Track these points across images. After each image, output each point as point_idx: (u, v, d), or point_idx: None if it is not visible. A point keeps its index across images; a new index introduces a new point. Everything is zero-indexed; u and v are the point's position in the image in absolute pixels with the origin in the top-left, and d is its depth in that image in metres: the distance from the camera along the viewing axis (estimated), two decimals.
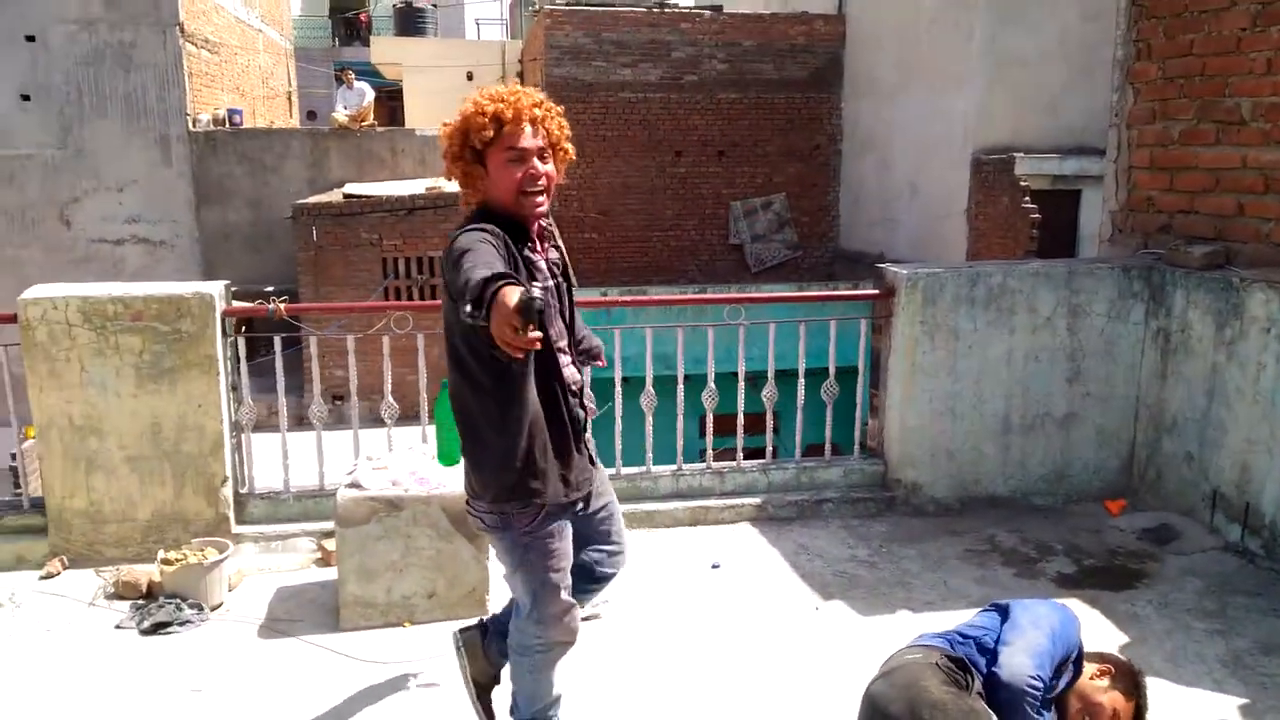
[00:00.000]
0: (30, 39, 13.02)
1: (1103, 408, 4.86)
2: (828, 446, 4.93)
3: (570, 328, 2.59)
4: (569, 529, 2.59)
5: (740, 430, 4.81)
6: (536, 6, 17.62)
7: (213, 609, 3.78)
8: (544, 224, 2.52)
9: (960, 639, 2.66)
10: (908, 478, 4.79)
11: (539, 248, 2.49)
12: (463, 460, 2.56)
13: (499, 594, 3.85)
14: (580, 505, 2.64)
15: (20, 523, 4.23)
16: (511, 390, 2.39)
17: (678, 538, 4.55)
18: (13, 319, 3.97)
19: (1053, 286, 4.70)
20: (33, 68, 13.11)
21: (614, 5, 15.94)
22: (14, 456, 8.24)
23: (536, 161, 2.40)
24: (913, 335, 4.68)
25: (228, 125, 15.22)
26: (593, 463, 2.66)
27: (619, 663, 3.46)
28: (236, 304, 4.24)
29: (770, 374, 4.79)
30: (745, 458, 4.86)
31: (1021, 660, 2.53)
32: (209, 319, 4.02)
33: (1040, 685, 2.51)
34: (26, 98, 13.14)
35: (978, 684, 2.53)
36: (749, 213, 16.60)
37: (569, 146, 2.52)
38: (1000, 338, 4.72)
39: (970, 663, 2.57)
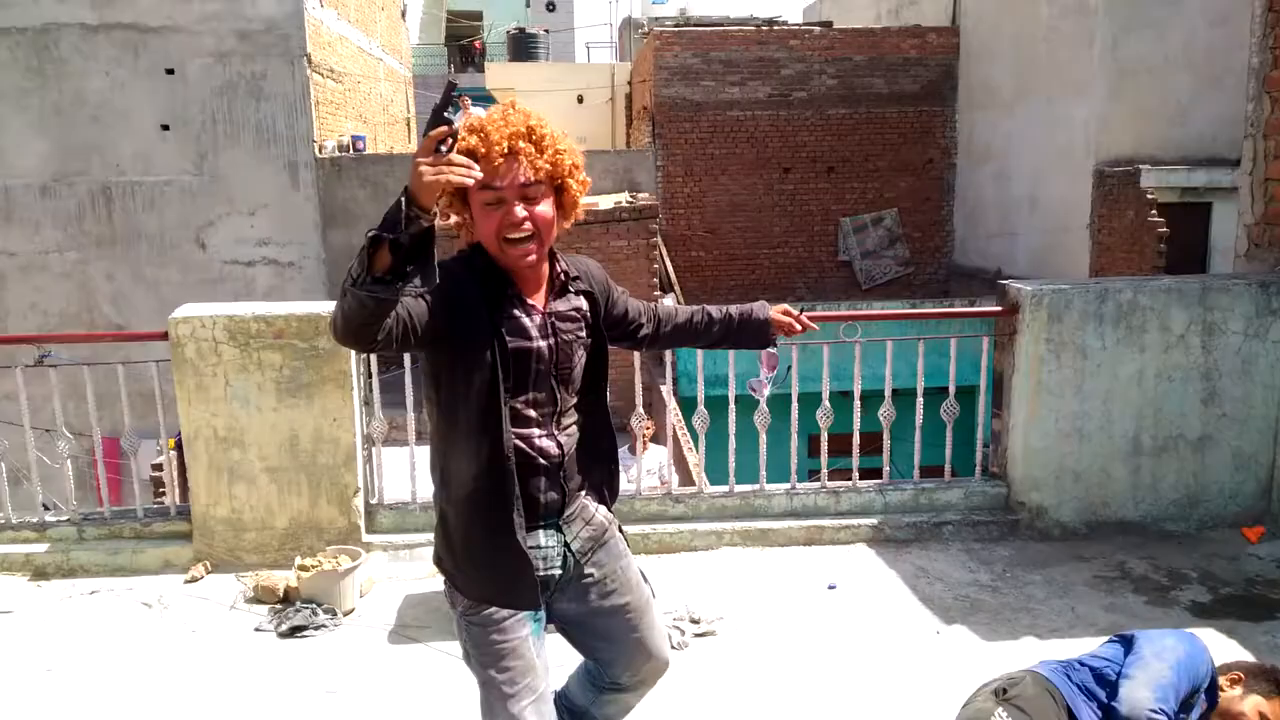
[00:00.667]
0: (170, 72, 13.80)
1: (1239, 429, 4.65)
2: (947, 467, 4.84)
3: (581, 390, 2.20)
4: (528, 630, 2.10)
5: (856, 450, 4.77)
6: (645, 29, 17.84)
7: (345, 614, 3.94)
8: (563, 268, 2.15)
9: (1077, 667, 2.59)
10: (1032, 500, 4.67)
11: (540, 300, 2.10)
12: None
13: None
14: (573, 597, 2.23)
15: (167, 529, 4.49)
16: (447, 441, 2.08)
17: (792, 557, 4.53)
18: (163, 336, 4.24)
19: (1186, 303, 4.53)
20: (171, 99, 13.89)
21: (722, 25, 16.03)
22: (157, 467, 8.73)
23: (518, 205, 1.98)
24: (1038, 353, 4.56)
25: (351, 151, 15.85)
26: (599, 543, 2.26)
27: (734, 681, 3.46)
28: None
29: (887, 393, 4.73)
30: (860, 478, 4.81)
31: (1142, 694, 2.47)
32: None
33: (1159, 711, 2.44)
34: (166, 127, 13.92)
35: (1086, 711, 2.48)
36: (859, 229, 16.42)
37: (578, 179, 2.09)
38: (1130, 356, 4.56)
39: (1086, 689, 2.52)
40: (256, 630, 3.87)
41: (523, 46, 23.65)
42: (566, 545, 2.19)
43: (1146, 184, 11.51)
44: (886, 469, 4.87)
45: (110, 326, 13.69)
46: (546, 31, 24.12)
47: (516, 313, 2.05)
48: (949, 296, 15.38)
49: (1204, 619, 3.88)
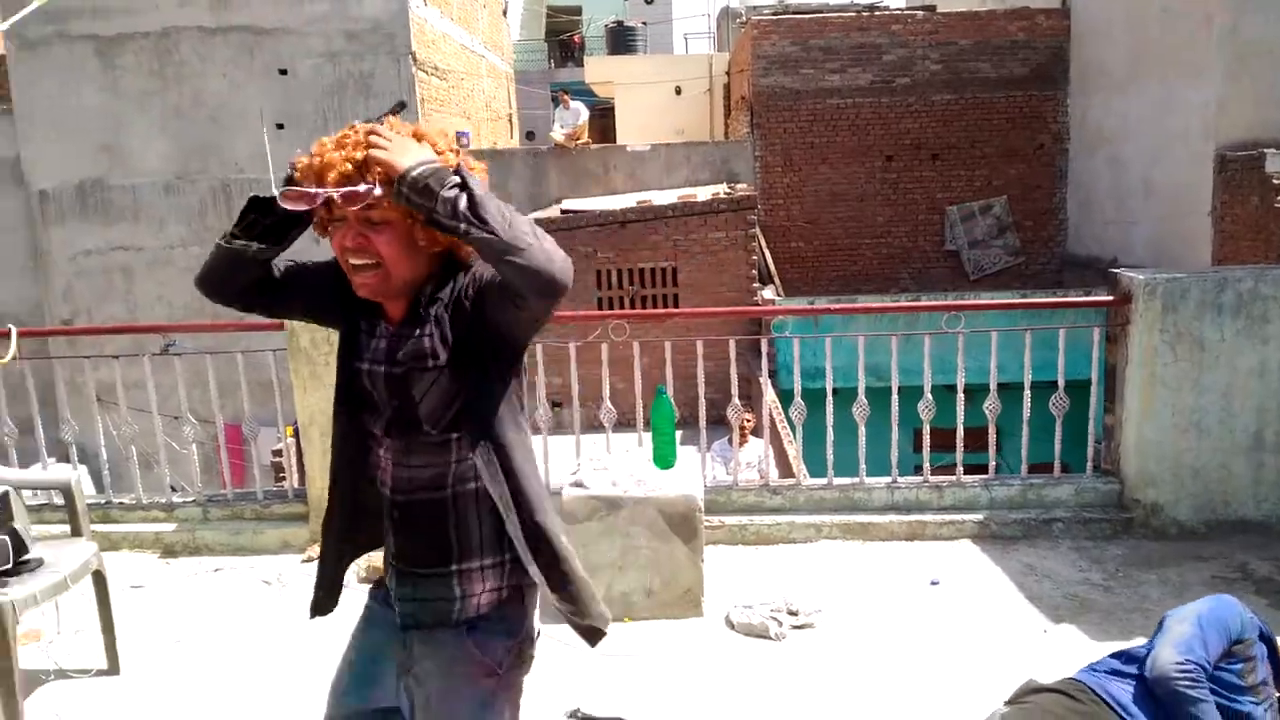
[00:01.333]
0: (283, 72, 14.33)
1: None
2: (1056, 463, 4.71)
3: (446, 429, 1.80)
4: (357, 628, 2.02)
5: (960, 444, 4.67)
6: (743, 18, 17.72)
7: None
8: (428, 299, 1.81)
9: (1106, 659, 2.63)
10: (1147, 498, 4.50)
11: (387, 325, 1.85)
12: None
13: (714, 596, 3.94)
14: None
15: (286, 511, 4.70)
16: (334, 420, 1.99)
17: (893, 551, 4.48)
18: (279, 326, 4.43)
19: None
20: (285, 99, 14.42)
21: (821, 11, 15.81)
22: (277, 453, 9.11)
23: (346, 234, 1.75)
24: (1152, 345, 4.40)
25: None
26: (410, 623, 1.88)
27: (831, 674, 3.45)
28: None
29: (993, 385, 4.63)
30: (964, 473, 4.72)
31: (1165, 653, 2.51)
32: None
33: (1190, 666, 2.46)
34: (281, 126, 14.46)
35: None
36: (966, 217, 16.01)
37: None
38: (1251, 348, 4.36)
39: (1113, 671, 2.56)
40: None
41: (621, 40, 23.75)
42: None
43: (1272, 169, 10.92)
44: (992, 464, 4.75)
45: (232, 319, 14.31)
46: (644, 24, 24.18)
47: (361, 328, 1.87)
48: (1062, 287, 14.87)
49: None
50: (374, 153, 1.68)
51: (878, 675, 3.43)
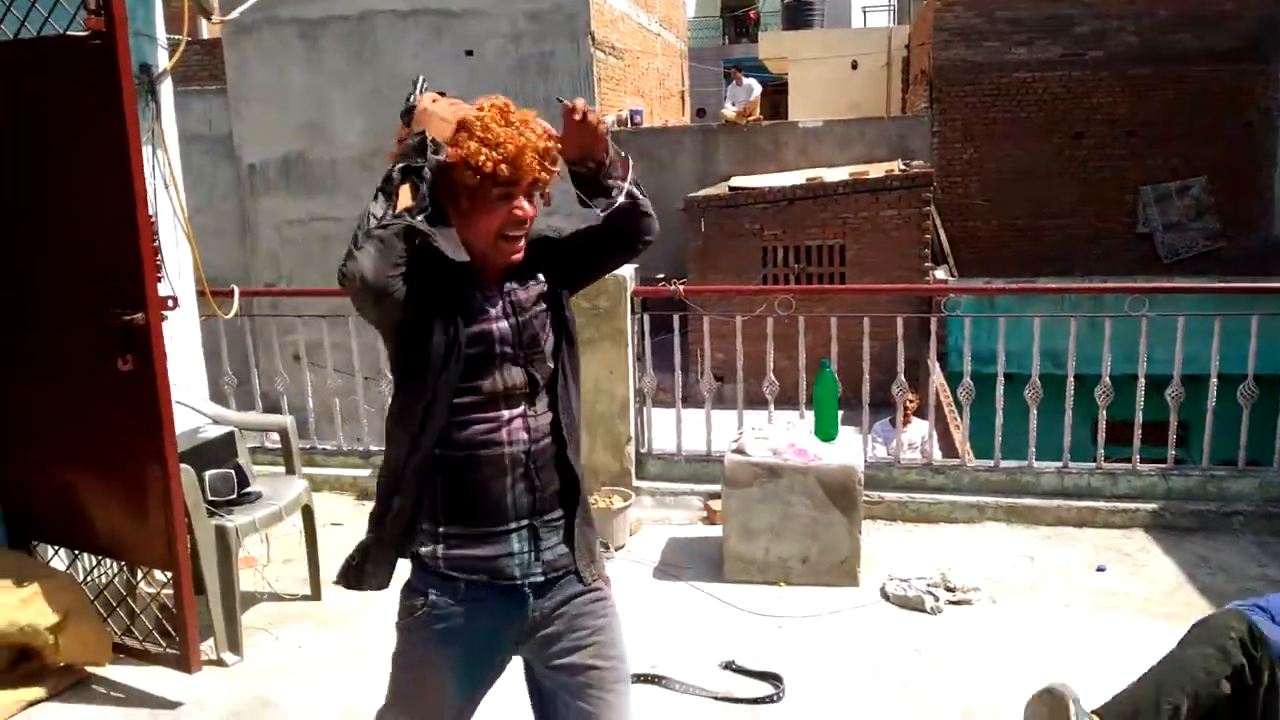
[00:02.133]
0: (469, 53, 14.97)
1: None
2: (1241, 454, 4.50)
3: (537, 364, 1.92)
4: (449, 658, 1.91)
5: (1138, 431, 4.52)
6: None
7: (617, 549, 4.30)
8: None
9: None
10: None
11: (495, 283, 1.91)
12: None
13: (871, 569, 4.01)
14: (534, 643, 1.92)
15: None
16: (408, 398, 1.88)
17: (1060, 536, 4.41)
18: None
19: None
20: (472, 78, 15.04)
21: None
22: None
23: (524, 200, 1.86)
24: None
25: (629, 125, 16.50)
26: (579, 578, 1.93)
27: (984, 650, 3.47)
28: (644, 286, 4.74)
29: (1176, 373, 4.45)
30: (1140, 463, 4.57)
31: None
32: (621, 297, 4.56)
33: None
34: None
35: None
36: (1161, 198, 15.09)
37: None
38: None
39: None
40: None
41: (797, 14, 23.48)
42: (574, 573, 1.92)
43: None
44: (1171, 453, 4.57)
45: None
46: None
47: (470, 294, 1.88)
48: (1265, 274, 13.84)
49: None
50: (600, 129, 1.92)
51: (1029, 652, 3.42)
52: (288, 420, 4.04)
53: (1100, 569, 4.08)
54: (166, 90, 4.05)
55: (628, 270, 4.62)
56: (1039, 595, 3.88)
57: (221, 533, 3.41)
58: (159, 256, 3.83)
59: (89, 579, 3.53)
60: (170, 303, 3.73)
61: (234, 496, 3.56)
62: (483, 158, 1.80)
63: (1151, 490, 4.50)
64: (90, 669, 3.34)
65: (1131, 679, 2.83)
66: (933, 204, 13.62)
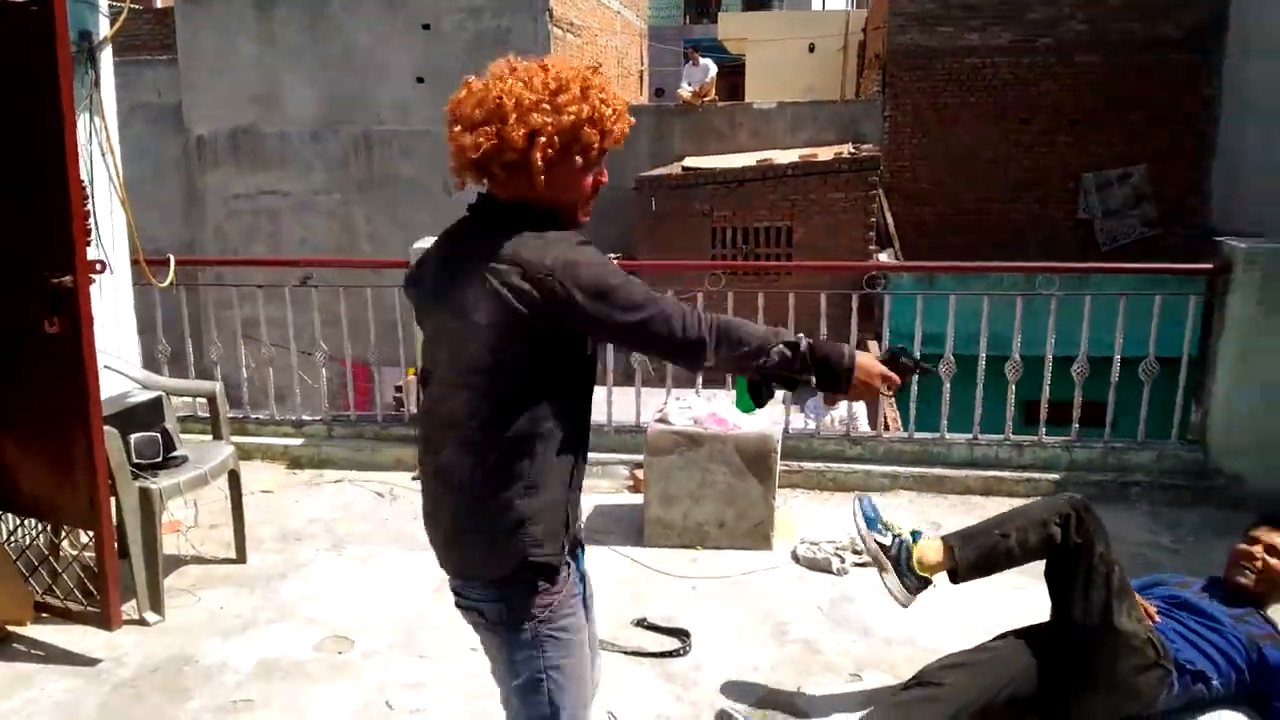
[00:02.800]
0: (425, 27, 14.89)
1: None
2: (1141, 427, 4.73)
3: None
4: (585, 624, 2.01)
5: (1044, 408, 4.72)
6: None
7: None
8: None
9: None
10: (1229, 468, 4.49)
11: None
12: (460, 522, 1.87)
13: (785, 534, 4.17)
14: None
15: (402, 433, 5.16)
16: (580, 400, 1.89)
17: (966, 504, 4.60)
18: (405, 264, 4.83)
19: None
20: (427, 53, 14.99)
21: None
22: (398, 389, 9.72)
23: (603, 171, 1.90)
24: (1247, 315, 4.36)
25: None
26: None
27: (884, 604, 3.64)
28: None
29: (1082, 349, 4.65)
30: (1046, 435, 4.78)
31: None
32: None
33: None
34: (421, 80, 15.06)
35: None
36: (1102, 185, 15.44)
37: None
38: None
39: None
40: None
41: None
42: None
43: None
44: (1075, 427, 4.78)
45: (367, 258, 15.11)
46: None
47: None
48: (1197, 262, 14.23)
49: None
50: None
51: (924, 605, 3.58)
52: (215, 386, 4.11)
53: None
54: (106, 58, 4.08)
55: None
56: None
57: (145, 494, 3.48)
58: (90, 221, 3.88)
59: (11, 539, 3.59)
60: (99, 267, 3.77)
61: (159, 460, 3.63)
62: (611, 119, 1.82)
63: (1056, 461, 4.71)
64: (11, 628, 3.41)
65: (1000, 631, 3.03)
66: (880, 188, 13.84)
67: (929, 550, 2.82)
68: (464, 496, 1.84)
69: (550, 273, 1.70)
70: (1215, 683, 2.68)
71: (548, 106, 1.76)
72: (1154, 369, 4.60)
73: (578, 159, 1.81)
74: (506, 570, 1.83)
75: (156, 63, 15.41)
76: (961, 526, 4.28)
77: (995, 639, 2.95)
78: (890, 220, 14.61)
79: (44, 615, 3.46)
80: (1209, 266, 4.52)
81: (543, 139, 1.75)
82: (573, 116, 1.77)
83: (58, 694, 3.11)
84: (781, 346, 1.86)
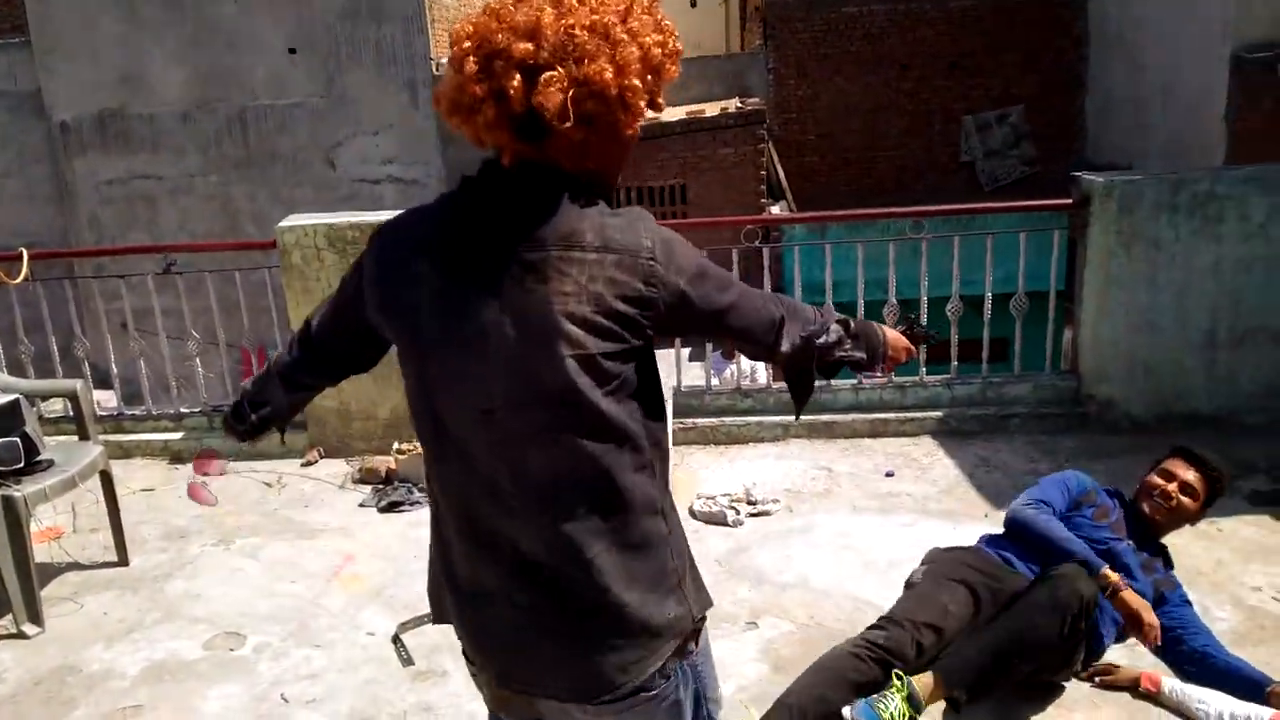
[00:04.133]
0: None
1: None
2: (1016, 361, 4.90)
3: None
4: None
5: (922, 351, 4.83)
6: None
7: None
8: None
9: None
10: (1101, 393, 4.69)
11: None
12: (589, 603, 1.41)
13: (682, 492, 4.20)
14: None
15: None
16: (663, 434, 1.50)
17: (855, 448, 4.71)
18: (273, 245, 4.68)
19: (1266, 191, 4.39)
20: (299, 23, 14.45)
21: None
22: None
23: None
24: (1107, 246, 4.53)
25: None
26: None
27: (775, 549, 3.73)
28: None
29: (954, 289, 4.78)
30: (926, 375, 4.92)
31: (1013, 504, 2.97)
32: None
33: (1031, 501, 2.89)
34: (293, 51, 14.53)
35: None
36: (982, 127, 15.83)
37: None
38: (1206, 248, 4.48)
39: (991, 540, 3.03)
40: (360, 505, 4.34)
41: None
42: None
43: None
44: (954, 364, 4.93)
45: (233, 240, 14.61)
46: None
47: None
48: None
49: (1262, 507, 3.90)
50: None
51: (816, 551, 3.69)
52: (76, 384, 3.93)
53: (889, 474, 4.40)
54: None
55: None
56: (831, 501, 4.16)
57: (9, 503, 3.32)
58: None
59: None
60: None
61: (21, 465, 3.46)
62: (661, 55, 1.37)
63: (938, 400, 4.85)
64: None
65: (904, 567, 3.11)
66: (770, 141, 13.93)
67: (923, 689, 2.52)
68: (596, 588, 1.38)
69: (652, 256, 1.34)
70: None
71: (626, 36, 1.32)
72: (1024, 304, 4.76)
73: (632, 116, 1.36)
74: (665, 659, 1.44)
75: (9, 45, 14.53)
76: (853, 470, 4.44)
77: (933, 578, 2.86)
78: (781, 172, 14.76)
79: None
80: (1069, 201, 4.68)
81: (635, 81, 1.32)
82: (656, 47, 1.35)
83: None
84: (836, 325, 1.61)
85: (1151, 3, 13.27)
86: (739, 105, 13.75)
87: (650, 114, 1.40)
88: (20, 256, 4.62)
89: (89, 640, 3.37)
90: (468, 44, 1.33)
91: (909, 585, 2.93)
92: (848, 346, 1.61)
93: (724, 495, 4.15)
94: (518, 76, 1.29)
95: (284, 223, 4.68)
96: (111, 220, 14.38)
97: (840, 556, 3.67)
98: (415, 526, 4.10)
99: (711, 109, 13.69)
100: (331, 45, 14.89)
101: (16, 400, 3.62)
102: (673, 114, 13.79)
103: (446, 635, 1.63)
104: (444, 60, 15.83)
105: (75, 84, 14.26)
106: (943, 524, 3.90)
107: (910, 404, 4.85)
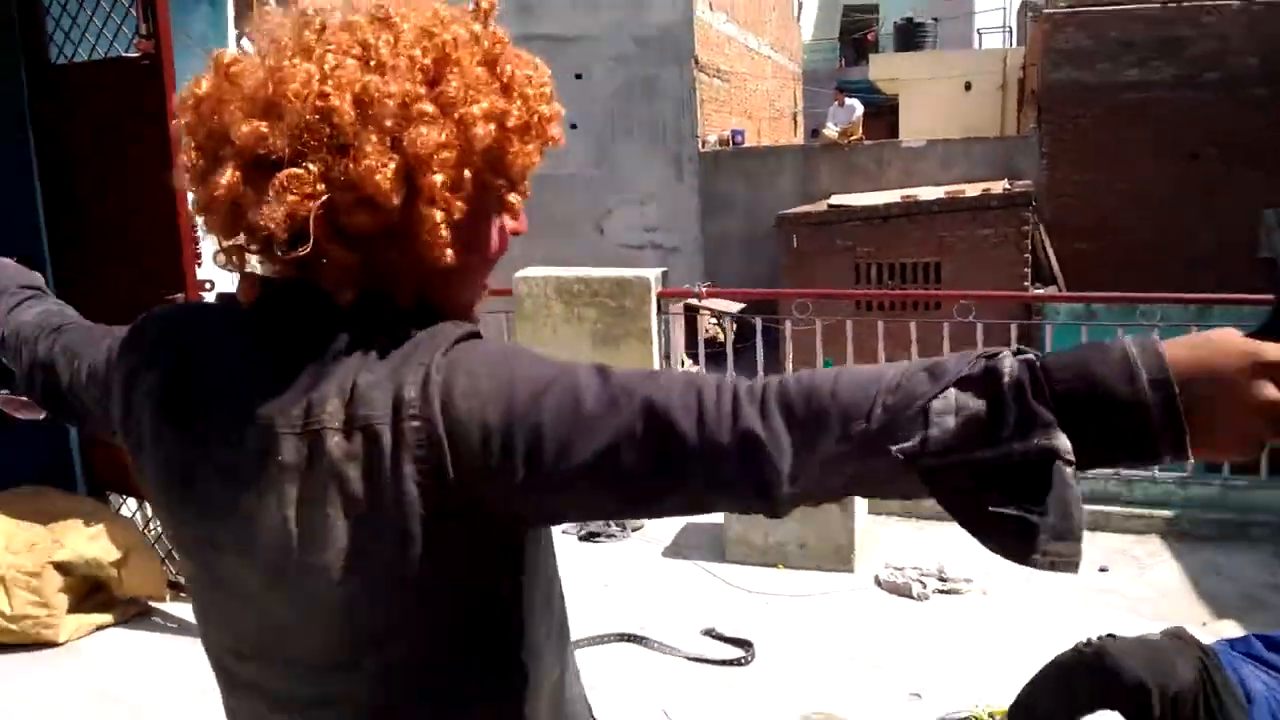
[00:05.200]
0: (578, 76, 15.56)
1: None
2: (1263, 464, 4.47)
3: None
4: None
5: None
6: (1041, 10, 16.95)
7: (634, 530, 4.60)
8: None
9: (1256, 638, 2.43)
10: None
11: None
12: None
13: (869, 558, 4.18)
14: None
15: None
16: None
17: None
18: (509, 292, 5.14)
19: None
20: (579, 101, 15.63)
21: (1121, 3, 14.82)
22: None
23: None
24: None
25: (730, 145, 16.80)
26: None
27: (966, 634, 3.60)
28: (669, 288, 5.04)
29: None
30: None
31: None
32: (646, 298, 4.89)
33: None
34: (574, 126, 15.70)
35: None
36: None
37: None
38: None
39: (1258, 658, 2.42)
40: (563, 533, 4.63)
41: (910, 37, 23.36)
42: None
43: None
44: (1190, 463, 4.56)
45: None
46: (935, 20, 23.61)
47: None
48: None
49: None
50: None
51: (1009, 639, 3.53)
52: None
53: (1102, 569, 4.13)
54: None
55: (653, 274, 4.95)
56: (1031, 589, 3.95)
57: None
58: None
59: (150, 525, 4.03)
60: None
61: None
62: (500, 134, 0.90)
63: (1169, 498, 4.51)
64: (152, 603, 3.83)
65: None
66: (1040, 225, 13.39)
67: None
68: None
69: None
70: None
71: (429, 108, 0.85)
72: None
73: (503, 207, 0.96)
74: None
75: None
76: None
77: None
78: (1053, 256, 14.11)
79: (182, 595, 3.85)
80: None
81: (435, 176, 0.85)
82: (489, 121, 0.89)
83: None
84: (954, 393, 0.73)
85: None
86: (1006, 187, 13.37)
87: (509, 223, 0.97)
88: None
89: None
90: (189, 118, 0.88)
91: None
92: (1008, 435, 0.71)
93: (913, 567, 4.07)
94: (237, 175, 0.83)
95: (519, 273, 5.13)
96: None
97: (1021, 647, 3.49)
98: (610, 560, 4.31)
99: (973, 189, 13.40)
100: (606, 120, 15.98)
101: None
102: (931, 193, 13.62)
103: None
104: (710, 137, 16.55)
105: None
106: (1153, 626, 3.61)
107: (1137, 499, 4.54)
